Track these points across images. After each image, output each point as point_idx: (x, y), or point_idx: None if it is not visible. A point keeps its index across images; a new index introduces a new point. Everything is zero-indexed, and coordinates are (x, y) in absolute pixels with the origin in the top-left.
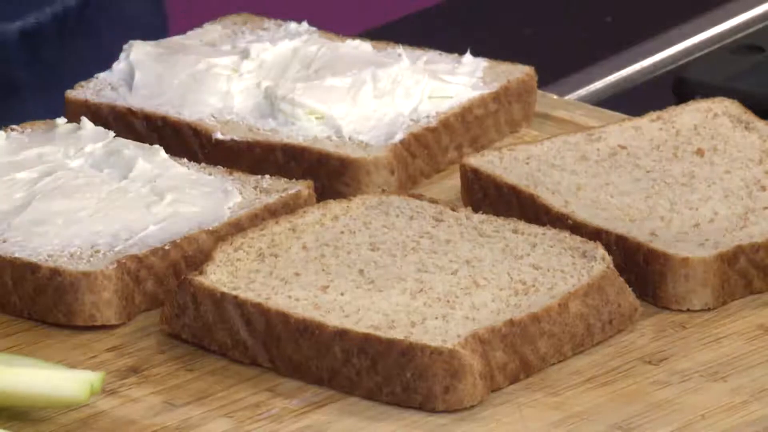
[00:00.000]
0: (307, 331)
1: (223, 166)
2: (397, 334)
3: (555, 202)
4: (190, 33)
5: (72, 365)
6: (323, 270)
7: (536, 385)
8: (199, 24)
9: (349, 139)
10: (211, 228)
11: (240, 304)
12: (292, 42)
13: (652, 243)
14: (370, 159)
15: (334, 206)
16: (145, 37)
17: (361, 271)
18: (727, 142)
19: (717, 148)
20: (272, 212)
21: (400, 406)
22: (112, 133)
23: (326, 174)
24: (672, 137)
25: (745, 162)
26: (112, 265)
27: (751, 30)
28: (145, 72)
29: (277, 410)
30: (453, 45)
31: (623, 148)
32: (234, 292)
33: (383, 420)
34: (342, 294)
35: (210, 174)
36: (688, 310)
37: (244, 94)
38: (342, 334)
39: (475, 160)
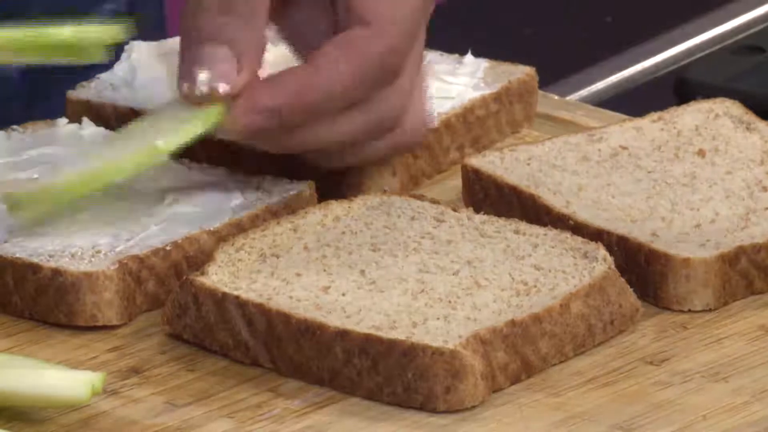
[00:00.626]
0: (309, 331)
1: (225, 167)
2: (399, 335)
3: (556, 202)
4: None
5: (73, 365)
6: (324, 270)
7: (537, 386)
8: None
9: None
10: (212, 228)
11: (241, 304)
12: None
13: (653, 243)
14: None
15: (336, 207)
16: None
17: (362, 272)
18: (729, 142)
19: (718, 149)
20: (274, 213)
21: (401, 406)
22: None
23: (328, 174)
24: (673, 138)
25: (747, 162)
26: (114, 265)
27: (752, 31)
28: (146, 72)
29: (278, 411)
30: (454, 45)
31: (624, 148)
32: (235, 293)
33: (384, 420)
34: (343, 294)
35: (211, 174)
36: (690, 310)
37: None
38: (343, 334)
39: (476, 161)
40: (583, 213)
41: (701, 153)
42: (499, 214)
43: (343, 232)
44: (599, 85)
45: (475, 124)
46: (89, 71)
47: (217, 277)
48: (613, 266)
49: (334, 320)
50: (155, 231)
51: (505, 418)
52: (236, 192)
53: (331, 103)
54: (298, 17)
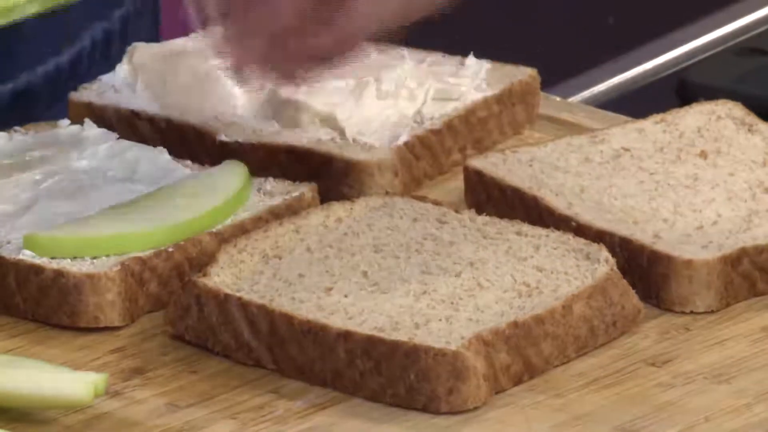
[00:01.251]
0: (311, 332)
1: None
2: (401, 336)
3: (558, 204)
4: (193, 35)
5: (76, 367)
6: (327, 272)
7: (540, 387)
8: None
9: (353, 141)
10: (214, 230)
11: (244, 305)
12: None
13: (655, 245)
14: (373, 161)
15: (338, 208)
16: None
17: (364, 273)
18: (731, 144)
19: (720, 151)
20: (276, 215)
21: (404, 407)
22: (115, 135)
23: (330, 176)
24: (675, 139)
25: (749, 164)
26: (116, 266)
27: (754, 33)
28: (148, 74)
29: (281, 412)
30: (456, 47)
31: (627, 150)
32: (238, 294)
33: (387, 421)
34: (346, 296)
35: None
36: (692, 312)
37: (247, 96)
38: (346, 335)
39: (478, 162)
40: (585, 214)
41: (703, 155)
42: (501, 216)
43: (346, 234)
44: (601, 87)
45: (478, 126)
46: (92, 74)
47: (219, 278)
48: (615, 268)
49: (337, 321)
50: None
51: (508, 420)
52: None
53: None
54: None
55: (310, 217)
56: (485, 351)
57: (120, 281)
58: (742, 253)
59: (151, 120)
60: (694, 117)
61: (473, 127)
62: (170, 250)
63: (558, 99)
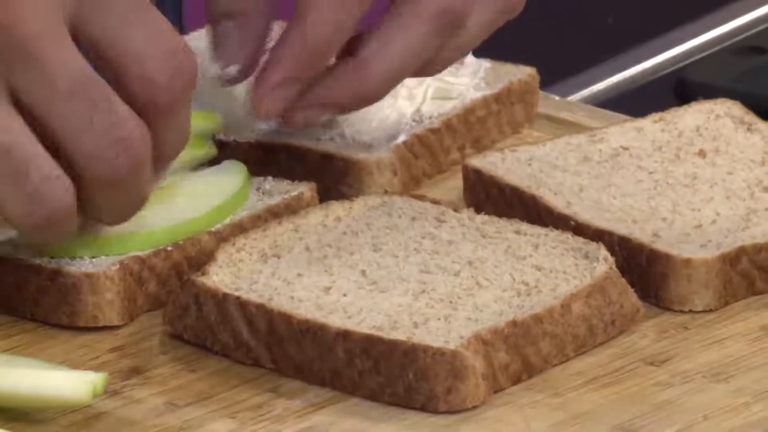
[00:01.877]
0: (310, 331)
1: None
2: (400, 335)
3: (557, 203)
4: (194, 34)
5: (74, 366)
6: (326, 271)
7: (538, 386)
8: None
9: (352, 140)
10: (213, 229)
11: (242, 304)
12: None
13: (654, 244)
14: (372, 160)
15: (337, 207)
16: None
17: (363, 272)
18: (730, 143)
19: (719, 150)
20: (275, 214)
21: (402, 407)
22: None
23: (329, 175)
24: (674, 138)
25: (748, 163)
26: (115, 266)
27: (753, 31)
28: None
29: (279, 411)
30: None
31: (625, 149)
32: (236, 293)
33: (385, 421)
34: (344, 295)
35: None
36: (691, 311)
37: (246, 95)
38: (344, 335)
39: (477, 161)
40: (584, 213)
41: (702, 153)
42: (500, 215)
43: (344, 233)
44: (600, 86)
45: (477, 125)
46: None
47: (218, 277)
48: (614, 267)
49: (336, 321)
50: None
51: (506, 419)
52: None
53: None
54: None
55: (309, 216)
56: (484, 350)
57: (119, 280)
58: (741, 252)
59: None
60: (692, 116)
61: (472, 126)
62: (169, 249)
63: (557, 98)
